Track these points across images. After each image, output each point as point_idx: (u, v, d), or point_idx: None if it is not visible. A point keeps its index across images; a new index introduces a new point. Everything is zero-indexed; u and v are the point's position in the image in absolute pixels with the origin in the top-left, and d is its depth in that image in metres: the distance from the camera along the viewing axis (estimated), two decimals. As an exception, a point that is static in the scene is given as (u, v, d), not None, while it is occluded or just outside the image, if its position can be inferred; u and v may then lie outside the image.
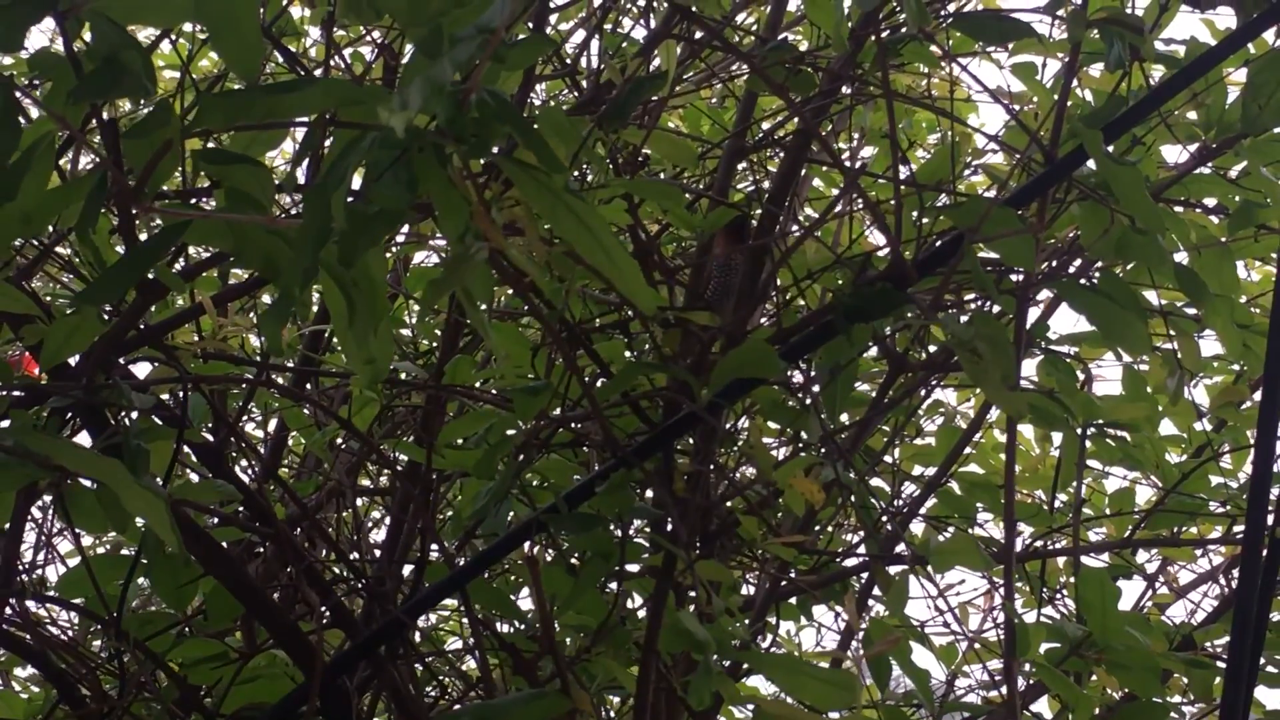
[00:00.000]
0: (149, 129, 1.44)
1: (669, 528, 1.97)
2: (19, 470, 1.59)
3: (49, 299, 2.16)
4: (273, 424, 2.91)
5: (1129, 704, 2.39)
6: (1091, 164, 1.83)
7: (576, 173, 2.10)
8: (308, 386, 2.63)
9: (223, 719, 2.00)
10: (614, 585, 2.04)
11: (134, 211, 1.49)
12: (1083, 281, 1.89)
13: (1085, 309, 1.79)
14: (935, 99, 2.80)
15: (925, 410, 3.14)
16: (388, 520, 2.68)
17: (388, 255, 3.10)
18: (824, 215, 2.40)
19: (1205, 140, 2.22)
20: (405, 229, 2.87)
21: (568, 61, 2.51)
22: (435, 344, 2.69)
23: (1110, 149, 1.98)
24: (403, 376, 2.40)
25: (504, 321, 2.38)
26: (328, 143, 1.44)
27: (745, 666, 2.46)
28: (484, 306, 2.72)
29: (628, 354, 2.24)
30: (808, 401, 1.94)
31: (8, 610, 1.94)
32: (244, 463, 2.60)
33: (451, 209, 1.40)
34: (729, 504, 2.30)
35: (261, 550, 2.50)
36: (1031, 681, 2.74)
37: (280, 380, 2.51)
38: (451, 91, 1.31)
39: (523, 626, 2.14)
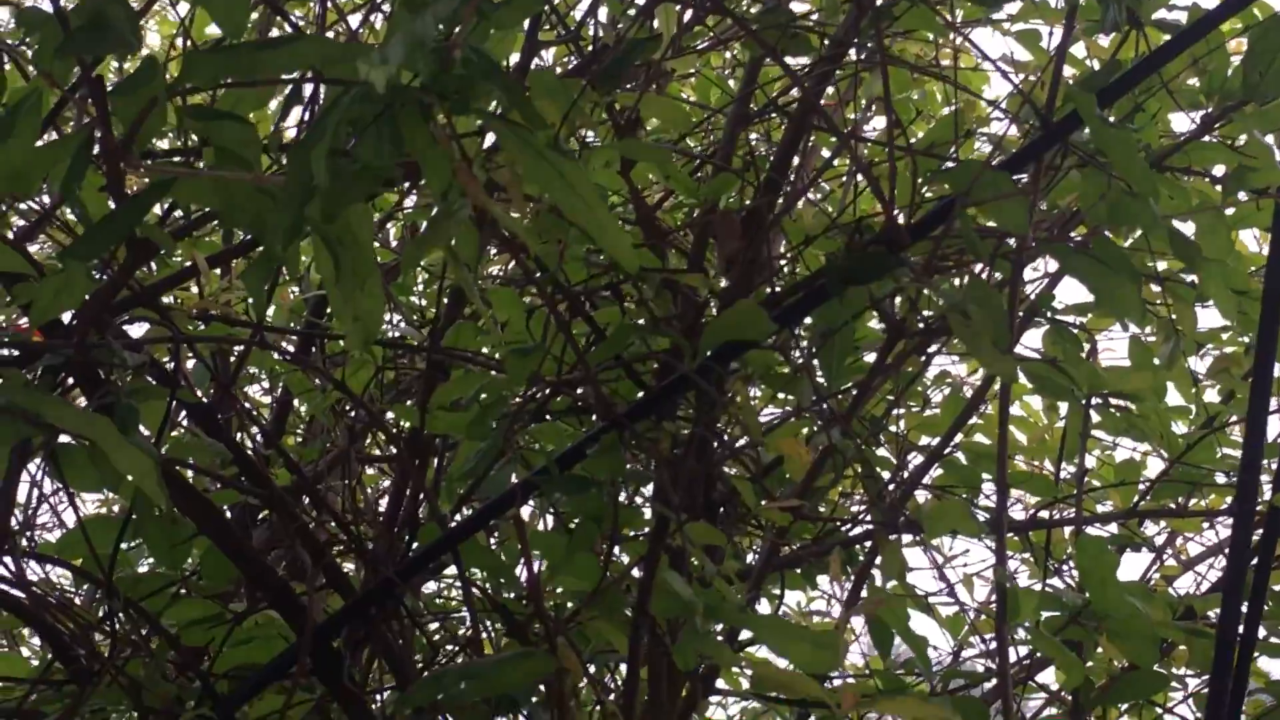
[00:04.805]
0: (136, 86, 1.44)
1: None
2: (9, 428, 1.60)
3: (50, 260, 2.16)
4: (279, 390, 2.92)
5: (1129, 674, 2.38)
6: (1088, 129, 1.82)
7: (575, 137, 2.09)
8: (312, 351, 2.63)
9: (216, 679, 2.00)
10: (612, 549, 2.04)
11: (122, 168, 1.49)
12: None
13: (1079, 273, 1.79)
14: (943, 68, 2.79)
15: (932, 380, 3.14)
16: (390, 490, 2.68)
17: (394, 222, 3.10)
18: (815, 177, 2.39)
19: (1207, 107, 2.20)
20: (414, 196, 2.86)
21: (572, 28, 2.50)
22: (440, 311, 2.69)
23: (1111, 115, 1.97)
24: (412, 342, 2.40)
25: (504, 287, 2.38)
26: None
27: (751, 636, 2.46)
28: (492, 271, 2.72)
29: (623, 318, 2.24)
30: (802, 364, 1.94)
31: (2, 570, 1.95)
32: (252, 429, 2.60)
33: (435, 166, 1.40)
34: (731, 472, 2.30)
35: (265, 516, 2.50)
36: (1039, 655, 2.74)
37: (280, 343, 2.50)
38: (434, 48, 1.31)
39: (515, 590, 2.15)
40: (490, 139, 1.82)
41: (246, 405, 2.48)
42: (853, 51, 2.33)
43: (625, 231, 1.45)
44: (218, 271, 2.34)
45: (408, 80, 1.35)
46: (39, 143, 1.49)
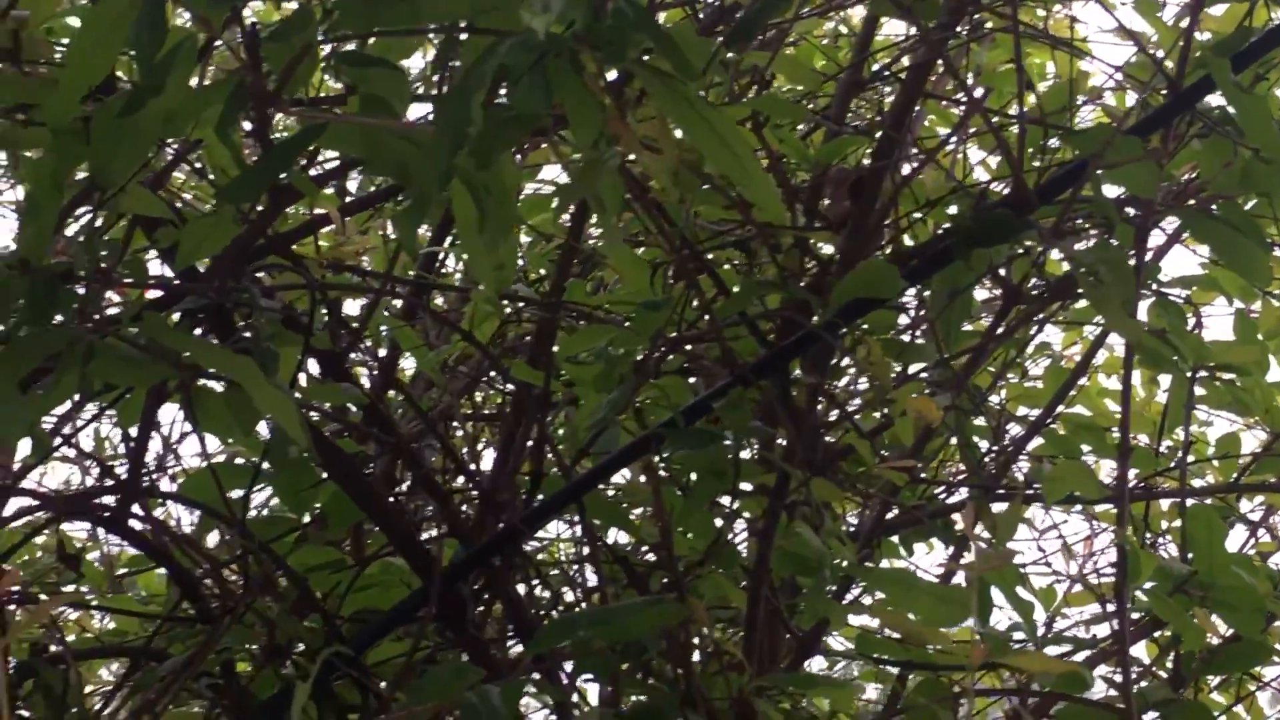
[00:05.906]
0: (289, 33, 1.46)
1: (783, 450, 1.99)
2: (150, 368, 1.63)
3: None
4: (382, 351, 2.94)
5: (1231, 644, 2.38)
6: (1214, 98, 1.83)
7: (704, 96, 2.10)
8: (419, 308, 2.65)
9: (341, 621, 2.03)
10: (726, 508, 2.06)
11: (270, 114, 1.51)
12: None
13: (1207, 237, 1.80)
14: (1052, 37, 2.78)
15: (1032, 352, 3.14)
16: (496, 445, 2.70)
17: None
18: (945, 140, 2.40)
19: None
20: (518, 159, 2.88)
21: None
22: (546, 274, 2.71)
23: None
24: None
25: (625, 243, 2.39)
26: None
27: (848, 602, 2.47)
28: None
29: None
30: (923, 327, 1.95)
31: (134, 509, 1.98)
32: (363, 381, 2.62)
33: (585, 116, 1.42)
34: (839, 437, 2.31)
35: (371, 469, 2.53)
36: (1130, 628, 2.74)
37: (400, 295, 2.53)
38: (589, -1, 1.33)
39: (634, 542, 2.17)
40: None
41: (365, 350, 2.49)
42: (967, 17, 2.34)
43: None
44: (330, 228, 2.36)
45: (558, 33, 1.36)
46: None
